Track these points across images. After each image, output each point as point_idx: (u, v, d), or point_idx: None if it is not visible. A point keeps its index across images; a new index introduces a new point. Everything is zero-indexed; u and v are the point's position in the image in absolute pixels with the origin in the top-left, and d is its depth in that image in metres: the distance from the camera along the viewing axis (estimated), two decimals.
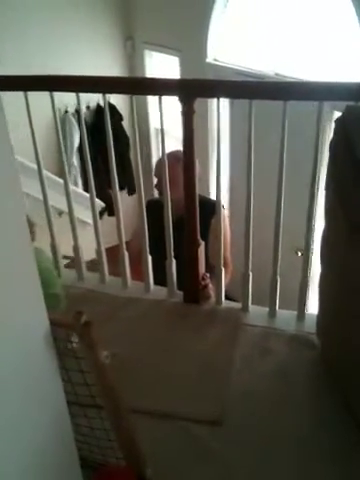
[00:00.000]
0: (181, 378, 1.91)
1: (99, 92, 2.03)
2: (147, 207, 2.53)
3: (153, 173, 2.54)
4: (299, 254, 3.68)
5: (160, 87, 1.93)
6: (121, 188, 5.20)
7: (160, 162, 2.28)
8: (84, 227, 3.47)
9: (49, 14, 4.53)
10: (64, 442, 1.25)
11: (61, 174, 2.39)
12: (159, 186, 2.39)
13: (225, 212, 2.58)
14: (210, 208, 2.23)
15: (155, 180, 2.50)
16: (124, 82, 2.14)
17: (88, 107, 5.02)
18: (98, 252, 2.50)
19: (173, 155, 2.29)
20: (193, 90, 1.90)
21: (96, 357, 1.14)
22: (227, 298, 2.40)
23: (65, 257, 2.60)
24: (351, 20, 2.90)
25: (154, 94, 1.96)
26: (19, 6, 4.32)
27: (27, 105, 2.19)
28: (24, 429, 1.04)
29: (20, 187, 0.95)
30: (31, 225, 2.03)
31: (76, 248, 2.51)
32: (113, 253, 2.58)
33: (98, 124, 5.05)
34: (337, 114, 2.98)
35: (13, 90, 2.12)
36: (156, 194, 2.59)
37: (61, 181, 2.45)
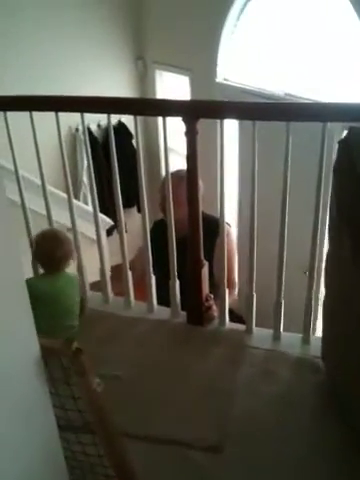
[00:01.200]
0: (182, 402, 1.88)
1: (103, 113, 2.03)
2: (154, 227, 2.52)
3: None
4: (307, 274, 3.63)
5: (163, 108, 1.94)
6: (131, 205, 5.25)
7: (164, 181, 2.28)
8: (92, 245, 3.47)
9: (58, 33, 4.57)
10: (55, 465, 1.23)
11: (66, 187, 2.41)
12: (162, 205, 2.38)
13: (231, 230, 2.55)
14: (215, 226, 2.21)
15: (159, 199, 2.50)
16: (128, 103, 2.15)
17: (99, 126, 5.06)
18: (101, 271, 2.49)
19: (176, 174, 2.28)
20: (196, 111, 1.91)
21: (87, 385, 1.11)
22: (234, 316, 2.37)
23: None
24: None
25: (158, 115, 1.97)
26: (26, 25, 4.38)
27: (32, 125, 2.21)
28: (12, 450, 1.03)
29: (9, 213, 0.94)
30: (72, 246, 2.09)
31: (80, 267, 2.50)
32: (121, 270, 2.55)
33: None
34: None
35: (18, 110, 2.15)
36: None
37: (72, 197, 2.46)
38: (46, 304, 1.90)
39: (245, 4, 3.87)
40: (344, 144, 1.61)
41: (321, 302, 2.16)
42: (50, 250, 2.02)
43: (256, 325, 2.25)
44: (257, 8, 3.79)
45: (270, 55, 3.75)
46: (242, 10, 3.92)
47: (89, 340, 2.07)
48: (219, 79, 4.21)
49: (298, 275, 2.90)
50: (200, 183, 2.13)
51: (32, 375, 1.07)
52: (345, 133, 2.99)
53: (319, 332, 2.20)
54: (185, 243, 2.20)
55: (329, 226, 1.78)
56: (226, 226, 2.47)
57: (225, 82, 4.20)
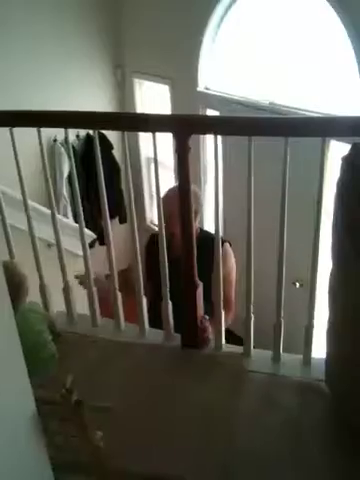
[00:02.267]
0: (180, 435, 1.76)
1: (89, 128, 1.92)
2: (149, 240, 2.39)
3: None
4: (297, 285, 3.57)
5: (153, 123, 1.83)
6: (112, 216, 5.12)
7: (164, 199, 2.15)
8: (75, 260, 3.35)
9: (33, 41, 4.44)
10: None
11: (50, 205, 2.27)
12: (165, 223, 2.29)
13: (229, 248, 2.45)
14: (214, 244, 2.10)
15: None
16: (115, 118, 2.03)
17: (78, 136, 4.92)
18: (89, 293, 2.36)
19: (173, 190, 2.15)
20: (188, 127, 1.80)
21: (89, 439, 1.00)
22: (235, 337, 2.28)
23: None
24: (346, 49, 2.85)
25: (147, 131, 1.86)
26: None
27: (13, 142, 2.08)
28: None
29: None
30: (24, 279, 1.90)
31: (66, 289, 2.38)
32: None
33: (88, 153, 4.96)
34: (333, 143, 2.93)
35: None
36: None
37: (49, 212, 2.33)
38: None
39: (226, 12, 3.81)
40: (348, 160, 1.53)
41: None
42: None
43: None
44: (238, 16, 3.73)
45: (253, 63, 3.69)
46: (222, 18, 3.85)
47: (77, 367, 1.95)
48: (200, 88, 4.14)
49: (287, 286, 2.84)
50: (198, 195, 2.02)
51: (27, 432, 0.95)
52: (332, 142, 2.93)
53: (315, 351, 2.13)
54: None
55: (333, 243, 1.70)
56: (226, 244, 2.39)
57: (206, 91, 4.12)
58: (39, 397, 0.96)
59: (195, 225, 2.39)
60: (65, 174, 4.90)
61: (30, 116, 2.01)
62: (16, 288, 1.84)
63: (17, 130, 2.09)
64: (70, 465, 1.18)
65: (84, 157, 4.90)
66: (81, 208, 2.26)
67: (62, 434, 1.03)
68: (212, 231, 2.10)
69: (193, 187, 2.19)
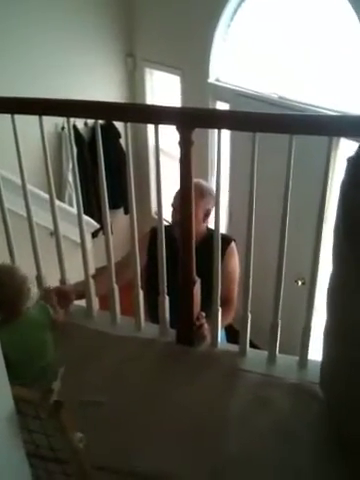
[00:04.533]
0: (170, 435, 1.73)
1: (91, 118, 1.88)
2: (153, 234, 2.35)
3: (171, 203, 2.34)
4: (299, 283, 3.52)
5: (156, 115, 1.79)
6: (118, 206, 5.09)
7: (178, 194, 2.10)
8: (76, 249, 3.31)
9: (44, 27, 4.42)
10: None
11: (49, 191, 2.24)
12: (173, 217, 2.31)
13: (235, 247, 2.41)
14: (222, 243, 2.05)
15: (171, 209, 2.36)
16: (118, 109, 1.99)
17: (86, 123, 4.89)
18: (86, 283, 2.34)
19: (196, 187, 2.04)
20: (192, 121, 1.76)
21: (68, 440, 0.97)
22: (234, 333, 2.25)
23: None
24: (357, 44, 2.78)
25: (150, 122, 1.82)
26: (9, 19, 4.20)
27: (14, 129, 2.04)
28: None
29: None
30: (25, 281, 1.80)
31: (63, 279, 2.35)
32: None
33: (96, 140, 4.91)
34: (344, 140, 2.87)
35: None
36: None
37: (55, 201, 2.29)
38: (11, 355, 1.53)
39: (239, 4, 3.73)
40: (353, 162, 1.48)
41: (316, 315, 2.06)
42: None
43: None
44: (252, 9, 3.66)
45: (264, 57, 3.63)
46: (236, 10, 3.78)
47: (70, 359, 1.93)
48: (211, 80, 4.08)
49: (287, 283, 2.80)
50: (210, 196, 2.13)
51: (4, 433, 0.93)
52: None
53: (316, 353, 2.10)
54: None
55: (333, 245, 1.66)
56: (232, 243, 2.38)
57: (217, 83, 4.07)
58: (18, 396, 0.94)
59: (204, 225, 2.36)
60: (71, 162, 4.86)
61: (32, 104, 1.97)
62: (18, 292, 1.75)
63: (29, 116, 2.04)
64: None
65: (92, 145, 4.86)
66: (80, 196, 2.22)
67: (42, 433, 1.01)
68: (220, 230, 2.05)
69: (211, 187, 2.16)
